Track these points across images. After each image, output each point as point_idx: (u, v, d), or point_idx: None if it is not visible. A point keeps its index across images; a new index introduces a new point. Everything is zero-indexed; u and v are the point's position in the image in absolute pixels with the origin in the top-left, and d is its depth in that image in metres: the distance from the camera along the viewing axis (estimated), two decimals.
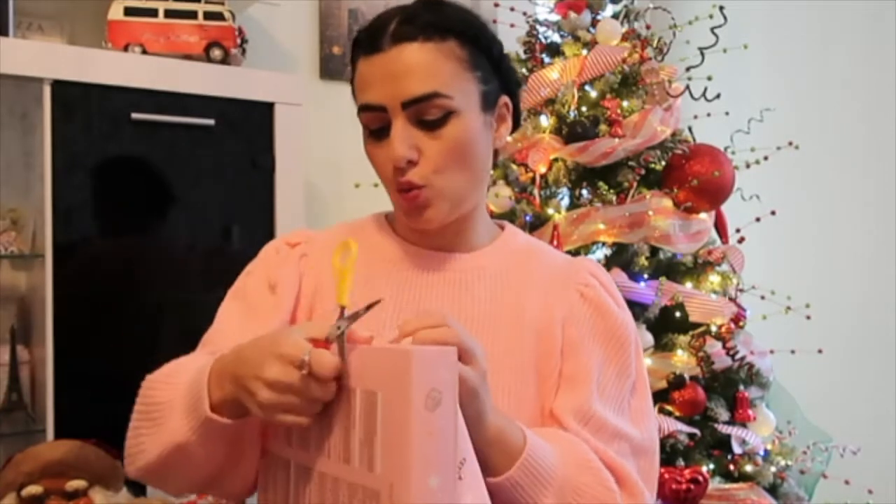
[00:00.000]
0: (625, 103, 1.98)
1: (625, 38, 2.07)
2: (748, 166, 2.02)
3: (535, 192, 1.95)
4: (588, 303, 1.01)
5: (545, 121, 1.98)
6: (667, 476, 1.67)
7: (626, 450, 0.95)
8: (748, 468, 1.89)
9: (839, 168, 2.81)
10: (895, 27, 2.73)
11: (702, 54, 1.97)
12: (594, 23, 2.11)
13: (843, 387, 2.62)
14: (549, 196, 1.96)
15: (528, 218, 1.91)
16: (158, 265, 1.97)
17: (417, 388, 0.67)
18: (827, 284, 2.60)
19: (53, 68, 1.81)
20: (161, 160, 1.96)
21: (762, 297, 2.00)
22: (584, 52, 2.03)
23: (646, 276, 1.92)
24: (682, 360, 1.88)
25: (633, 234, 1.90)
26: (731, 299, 1.99)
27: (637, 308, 1.86)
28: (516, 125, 1.06)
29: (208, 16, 2.03)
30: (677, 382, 1.84)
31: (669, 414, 1.85)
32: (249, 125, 2.07)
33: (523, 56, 2.11)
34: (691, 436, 1.85)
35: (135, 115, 1.90)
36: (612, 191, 1.94)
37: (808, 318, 1.94)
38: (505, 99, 1.02)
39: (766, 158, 1.99)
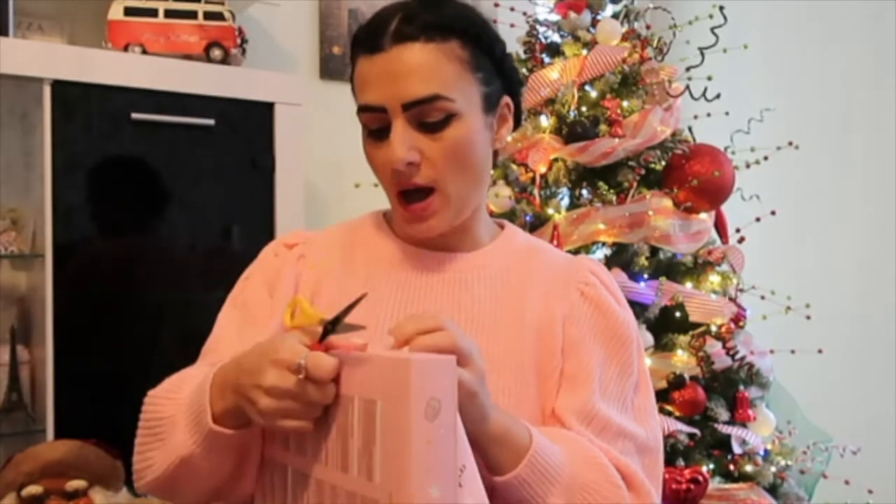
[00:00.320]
0: (625, 103, 1.98)
1: (625, 38, 2.07)
2: (748, 166, 2.02)
3: (535, 192, 1.95)
4: (589, 301, 1.00)
5: (545, 121, 1.98)
6: (667, 476, 1.67)
7: (631, 448, 0.95)
8: (748, 468, 1.89)
9: (839, 168, 2.81)
10: (895, 27, 2.73)
11: (702, 54, 1.97)
12: (594, 23, 2.11)
13: (843, 387, 2.62)
14: (549, 196, 1.96)
15: (528, 218, 1.91)
16: (158, 265, 1.97)
17: (417, 397, 0.67)
18: (827, 284, 2.60)
19: (53, 68, 1.81)
20: (161, 160, 1.96)
21: (762, 297, 2.00)
22: (584, 52, 2.03)
23: (646, 276, 1.92)
24: (682, 360, 1.88)
25: (633, 234, 1.90)
26: (731, 299, 1.99)
27: (637, 308, 1.86)
28: (517, 125, 1.06)
29: (208, 16, 2.03)
30: (677, 382, 1.84)
31: (669, 414, 1.85)
32: (249, 125, 2.07)
33: (523, 56, 2.10)
34: (691, 436, 1.85)
35: (135, 115, 1.90)
36: (612, 191, 1.94)
37: (808, 318, 1.94)
38: (506, 100, 1.01)
39: (766, 158, 1.99)
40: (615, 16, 2.13)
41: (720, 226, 2.10)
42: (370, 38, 0.94)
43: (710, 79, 1.96)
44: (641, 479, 0.93)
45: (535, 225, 1.91)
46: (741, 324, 1.97)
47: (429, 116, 0.92)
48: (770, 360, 2.02)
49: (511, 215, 1.92)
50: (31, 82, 1.80)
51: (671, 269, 1.99)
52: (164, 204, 1.98)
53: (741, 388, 1.95)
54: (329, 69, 2.57)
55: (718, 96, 1.99)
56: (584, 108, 1.99)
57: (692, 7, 2.04)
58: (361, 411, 0.72)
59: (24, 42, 1.93)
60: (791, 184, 2.54)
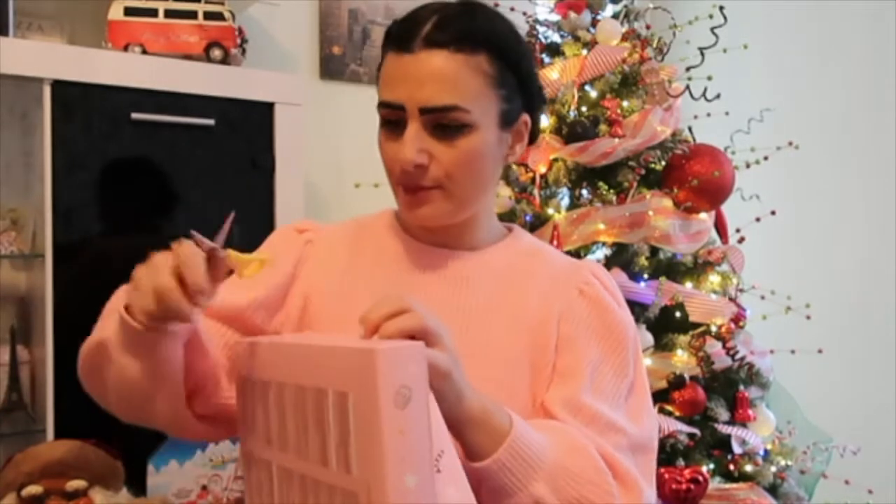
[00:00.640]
0: (625, 103, 1.98)
1: (625, 38, 2.07)
2: (748, 166, 2.02)
3: (535, 192, 1.95)
4: (587, 300, 1.01)
5: (545, 121, 1.98)
6: (667, 476, 1.67)
7: (623, 444, 0.94)
8: (748, 468, 1.89)
9: (839, 168, 2.81)
10: (895, 27, 2.73)
11: (702, 54, 1.97)
12: (594, 23, 2.11)
13: (843, 387, 2.62)
14: (549, 196, 1.96)
15: (528, 218, 1.91)
16: None
17: (385, 387, 0.67)
18: (827, 284, 2.60)
19: (53, 68, 1.81)
20: (161, 160, 1.96)
21: (762, 297, 2.00)
22: (584, 52, 2.03)
23: (646, 276, 1.92)
24: (682, 360, 1.88)
25: (633, 234, 1.90)
26: (731, 299, 1.99)
27: (637, 308, 1.86)
28: (533, 140, 1.07)
29: (208, 16, 2.03)
30: (677, 382, 1.84)
31: (669, 414, 1.85)
32: (249, 125, 2.07)
33: None
34: (691, 436, 1.85)
35: (135, 115, 1.90)
36: (612, 191, 1.94)
37: (808, 318, 1.94)
38: (525, 117, 1.02)
39: (766, 158, 1.99)
40: (615, 16, 2.13)
41: (720, 226, 2.10)
42: (402, 36, 0.95)
43: (710, 79, 1.96)
44: (633, 474, 0.92)
45: (535, 225, 1.91)
46: (741, 324, 1.97)
47: (444, 123, 0.94)
48: (770, 360, 2.02)
49: (511, 215, 1.92)
50: (31, 82, 1.80)
51: (671, 269, 1.99)
52: (164, 204, 1.98)
53: (741, 388, 1.95)
54: (329, 69, 2.57)
55: (718, 96, 1.99)
56: (584, 108, 1.99)
57: (692, 7, 2.04)
58: (335, 404, 0.72)
59: (24, 42, 1.93)
60: (791, 184, 2.54)
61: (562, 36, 2.12)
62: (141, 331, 0.85)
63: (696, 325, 1.92)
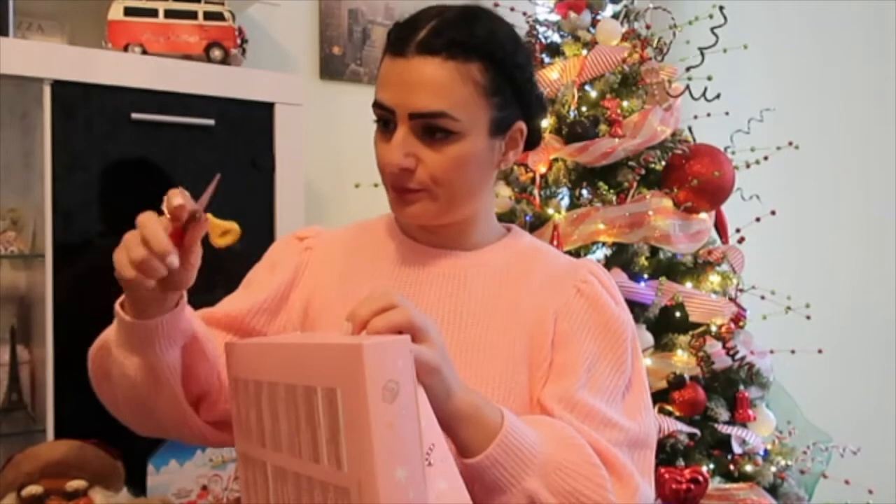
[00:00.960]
0: (625, 103, 1.98)
1: (625, 38, 2.07)
2: (748, 166, 2.02)
3: (535, 192, 1.95)
4: (584, 298, 1.01)
5: (545, 121, 1.98)
6: (667, 476, 1.67)
7: (620, 439, 0.94)
8: (748, 468, 1.89)
9: (839, 168, 2.81)
10: (895, 27, 2.73)
11: (702, 54, 1.97)
12: (594, 23, 2.11)
13: (843, 387, 2.62)
14: (549, 196, 1.96)
15: (528, 218, 1.91)
16: None
17: (372, 381, 0.67)
18: (827, 284, 2.60)
19: (53, 68, 1.81)
20: (161, 160, 1.96)
21: (762, 297, 2.00)
22: (584, 52, 2.03)
23: (646, 276, 1.92)
24: (682, 360, 1.88)
25: (633, 234, 1.90)
26: (731, 299, 1.99)
27: (637, 308, 1.86)
28: (532, 147, 1.08)
29: (208, 16, 2.03)
30: (677, 382, 1.84)
31: (669, 414, 1.85)
32: (249, 125, 2.07)
33: None
34: (691, 436, 1.85)
35: (135, 115, 1.90)
36: (612, 191, 1.94)
37: (808, 318, 1.94)
38: (520, 125, 1.02)
39: (766, 158, 1.99)
40: (615, 16, 2.13)
41: (720, 226, 2.10)
42: (399, 41, 0.96)
43: (710, 79, 1.96)
44: (629, 469, 0.92)
45: (535, 225, 1.91)
46: (741, 324, 1.97)
47: (432, 129, 0.95)
48: (770, 360, 2.02)
49: (511, 215, 1.92)
50: (31, 82, 1.80)
51: (671, 269, 1.99)
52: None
53: (741, 388, 1.95)
54: (329, 69, 2.57)
55: (718, 96, 1.99)
56: (584, 108, 1.99)
57: (692, 7, 2.04)
58: (324, 401, 0.72)
59: (24, 42, 1.93)
60: (791, 184, 2.54)
61: (562, 36, 2.12)
62: (133, 322, 0.88)
63: (696, 325, 1.92)
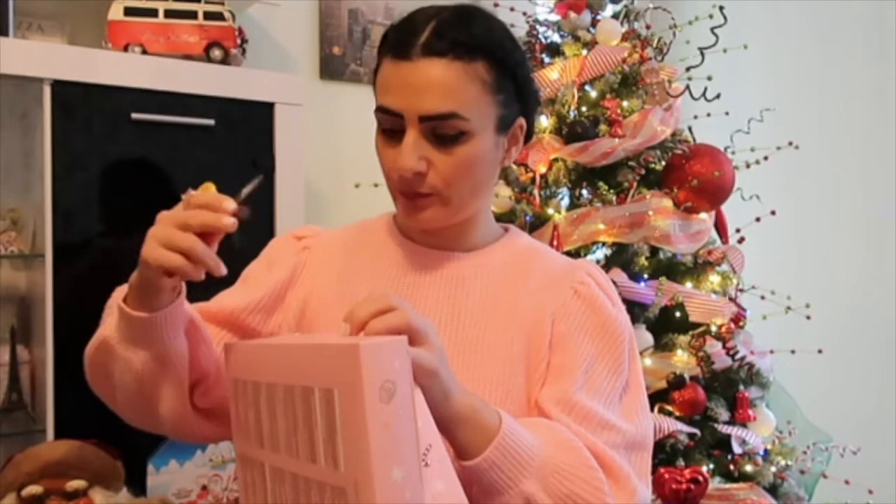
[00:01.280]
0: (625, 103, 1.98)
1: (625, 38, 2.07)
2: (748, 166, 2.02)
3: (535, 192, 1.95)
4: (581, 299, 1.01)
5: (545, 121, 1.98)
6: (667, 476, 1.67)
7: (617, 441, 0.94)
8: (748, 468, 1.89)
9: (839, 168, 2.81)
10: (895, 27, 2.73)
11: (702, 54, 1.97)
12: (594, 23, 2.11)
13: (843, 387, 2.62)
14: (549, 196, 1.96)
15: (528, 218, 1.91)
16: None
17: (369, 382, 0.67)
18: (827, 284, 2.60)
19: (53, 68, 1.81)
20: (161, 160, 1.96)
21: (762, 297, 2.00)
22: (584, 52, 2.03)
23: (646, 276, 1.92)
24: (682, 360, 1.88)
25: (633, 234, 1.90)
26: (731, 299, 1.99)
27: (637, 308, 1.86)
28: (528, 140, 1.08)
29: (208, 16, 2.03)
30: (677, 382, 1.84)
31: (669, 414, 1.85)
32: (249, 125, 2.07)
33: None
34: (691, 436, 1.85)
35: (135, 115, 1.90)
36: (612, 191, 1.94)
37: (808, 318, 1.94)
38: (521, 121, 1.03)
39: (766, 158, 1.99)
40: (615, 16, 2.13)
41: (720, 226, 2.10)
42: (400, 44, 0.95)
43: (710, 79, 1.96)
44: (626, 471, 0.92)
45: (535, 225, 1.91)
46: (741, 324, 1.97)
47: (442, 131, 0.94)
48: (770, 360, 2.02)
49: (511, 215, 1.92)
50: (31, 82, 1.80)
51: (671, 269, 1.99)
52: (164, 204, 1.96)
53: (741, 388, 1.95)
54: (329, 69, 2.57)
55: (718, 96, 1.99)
56: (584, 108, 1.99)
57: (692, 7, 2.04)
58: (322, 401, 0.72)
59: (24, 42, 1.93)
60: (791, 184, 2.54)
61: (562, 36, 2.12)
62: (144, 317, 0.87)
63: (696, 325, 1.92)
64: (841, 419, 2.10)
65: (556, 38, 2.14)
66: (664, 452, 1.82)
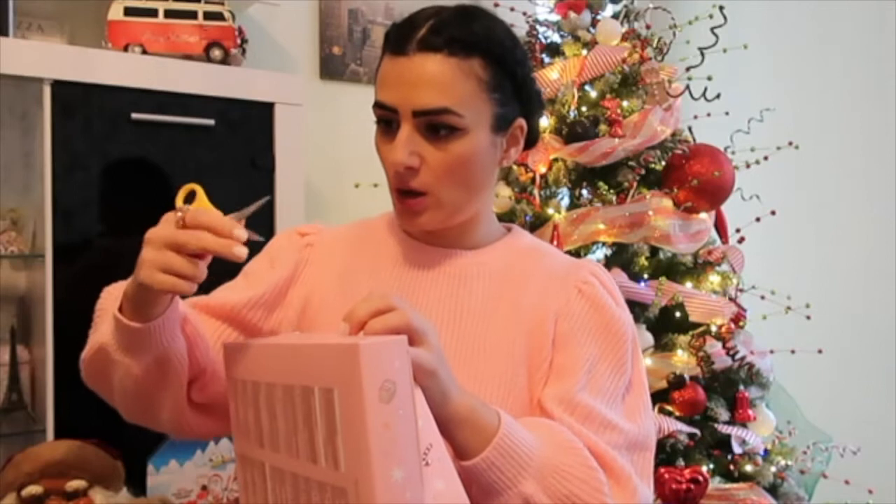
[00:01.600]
0: (625, 103, 1.98)
1: (625, 38, 2.07)
2: (748, 166, 2.02)
3: (535, 192, 1.95)
4: (585, 298, 1.01)
5: (545, 121, 1.98)
6: (667, 476, 1.67)
7: (619, 441, 0.94)
8: (748, 468, 1.89)
9: (839, 168, 2.81)
10: (895, 27, 2.73)
11: (702, 54, 1.97)
12: (594, 23, 2.11)
13: (843, 387, 2.62)
14: (549, 196, 1.96)
15: (528, 218, 1.91)
16: None
17: (369, 381, 0.67)
18: (827, 284, 2.60)
19: (53, 68, 1.81)
20: (161, 160, 1.96)
21: (762, 297, 2.00)
22: (584, 52, 2.03)
23: (646, 276, 1.92)
24: (682, 360, 1.88)
25: (633, 234, 1.90)
26: (731, 299, 1.99)
27: (637, 308, 1.86)
28: (531, 145, 1.08)
29: (208, 16, 2.03)
30: (677, 382, 1.84)
31: (669, 414, 1.85)
32: (249, 125, 2.07)
33: None
34: (691, 436, 1.85)
35: (135, 115, 1.90)
36: (612, 191, 1.94)
37: (808, 318, 1.94)
38: (521, 122, 1.03)
39: (766, 158, 1.99)
40: (615, 16, 2.13)
41: (720, 226, 2.10)
42: (398, 39, 0.96)
43: (710, 79, 1.96)
44: (627, 471, 0.92)
45: (535, 225, 1.91)
46: (741, 324, 1.97)
47: (436, 126, 0.94)
48: (770, 360, 2.02)
49: (511, 215, 1.92)
50: (31, 82, 1.80)
51: (671, 269, 1.99)
52: (164, 204, 1.97)
53: (741, 388, 1.95)
54: (329, 69, 2.57)
55: (718, 96, 1.99)
56: (584, 108, 1.99)
57: (692, 7, 2.04)
58: (322, 401, 0.72)
59: (24, 42, 1.93)
60: (791, 184, 2.53)
61: (562, 36, 2.12)
62: (141, 328, 0.86)
63: (696, 325, 1.92)
64: (841, 419, 2.10)
65: (556, 38, 2.14)
66: (664, 452, 1.82)
